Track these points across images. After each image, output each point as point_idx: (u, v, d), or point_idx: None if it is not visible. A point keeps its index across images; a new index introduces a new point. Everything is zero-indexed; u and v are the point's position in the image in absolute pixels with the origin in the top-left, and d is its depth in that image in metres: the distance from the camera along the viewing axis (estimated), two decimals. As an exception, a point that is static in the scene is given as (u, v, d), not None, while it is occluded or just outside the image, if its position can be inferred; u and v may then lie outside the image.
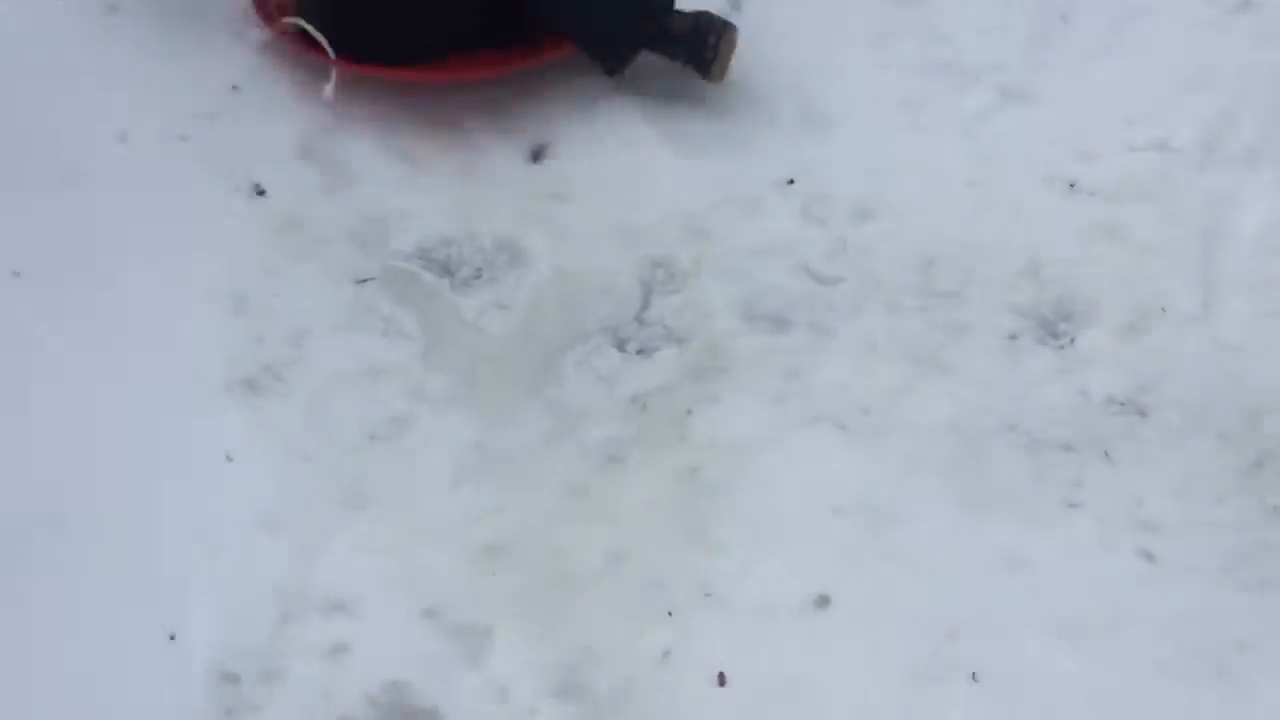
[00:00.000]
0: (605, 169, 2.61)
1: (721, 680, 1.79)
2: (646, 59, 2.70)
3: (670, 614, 1.87)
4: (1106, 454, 2.12)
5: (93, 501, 1.93)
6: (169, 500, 1.96)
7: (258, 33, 2.70)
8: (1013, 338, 2.35)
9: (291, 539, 1.94)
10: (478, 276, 2.40)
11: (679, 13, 2.69)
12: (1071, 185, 2.63)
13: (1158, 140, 2.69)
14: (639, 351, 2.28)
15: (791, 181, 2.62)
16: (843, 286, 2.42)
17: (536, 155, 2.64)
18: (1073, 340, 2.33)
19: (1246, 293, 2.39)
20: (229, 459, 2.02)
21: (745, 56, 2.72)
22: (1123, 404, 2.20)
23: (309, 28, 2.57)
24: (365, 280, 2.36)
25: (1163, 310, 2.36)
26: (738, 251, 2.46)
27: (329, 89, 2.55)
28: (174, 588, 1.85)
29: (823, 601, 1.89)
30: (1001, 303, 2.40)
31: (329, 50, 2.55)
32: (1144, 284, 2.41)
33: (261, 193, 2.48)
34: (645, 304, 2.37)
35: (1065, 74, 2.85)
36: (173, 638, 1.79)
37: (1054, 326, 2.37)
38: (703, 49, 2.64)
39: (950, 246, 2.50)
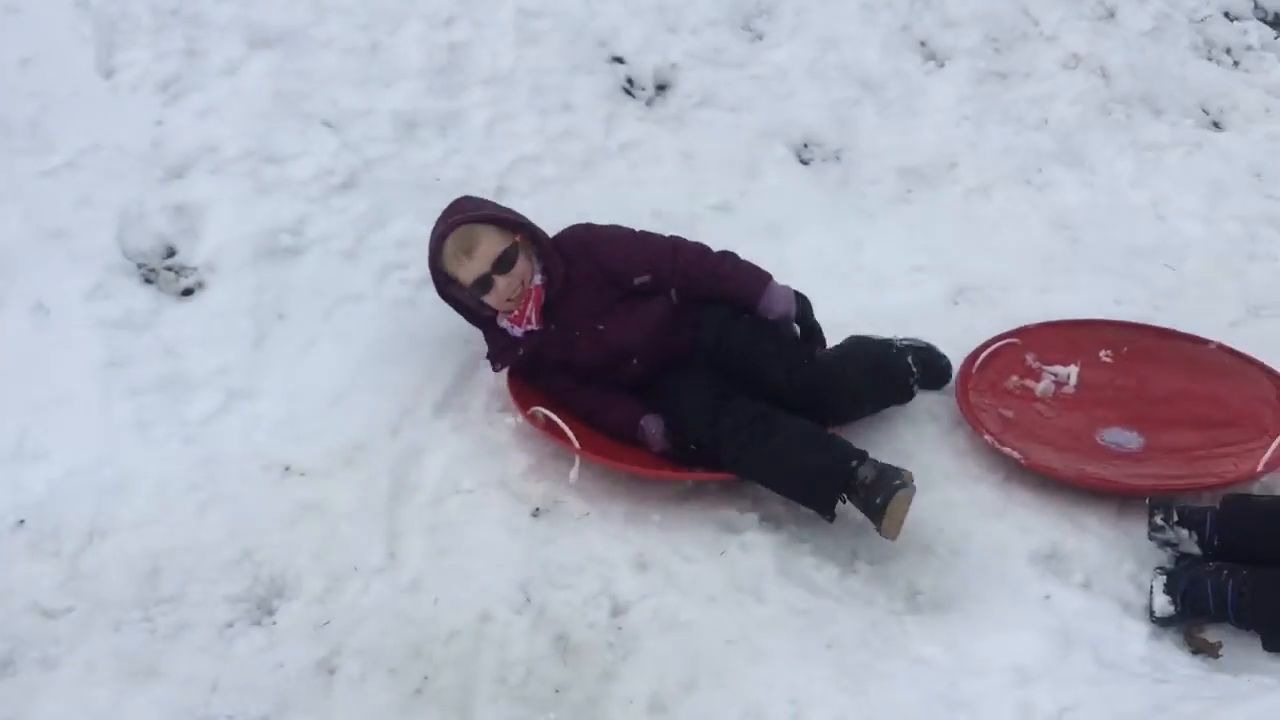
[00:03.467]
0: None
1: None
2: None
3: None
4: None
5: None
6: None
7: (513, 418, 3.17)
8: (229, 625, 2.69)
9: None
10: None
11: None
12: (286, 469, 3.06)
13: (359, 415, 3.20)
14: None
15: (22, 522, 2.85)
16: (71, 615, 2.67)
17: None
18: (274, 619, 2.70)
19: (422, 537, 2.90)
20: None
21: None
22: (316, 666, 2.60)
23: (555, 418, 3.08)
24: None
25: (355, 569, 2.81)
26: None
27: (573, 473, 3.01)
28: None
29: None
30: (219, 595, 2.75)
31: (573, 440, 3.02)
32: (340, 549, 2.86)
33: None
34: None
35: (282, 367, 3.31)
36: None
37: (268, 604, 2.75)
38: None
39: (175, 551, 2.82)
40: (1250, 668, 2.60)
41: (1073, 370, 3.51)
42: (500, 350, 3.22)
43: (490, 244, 3.09)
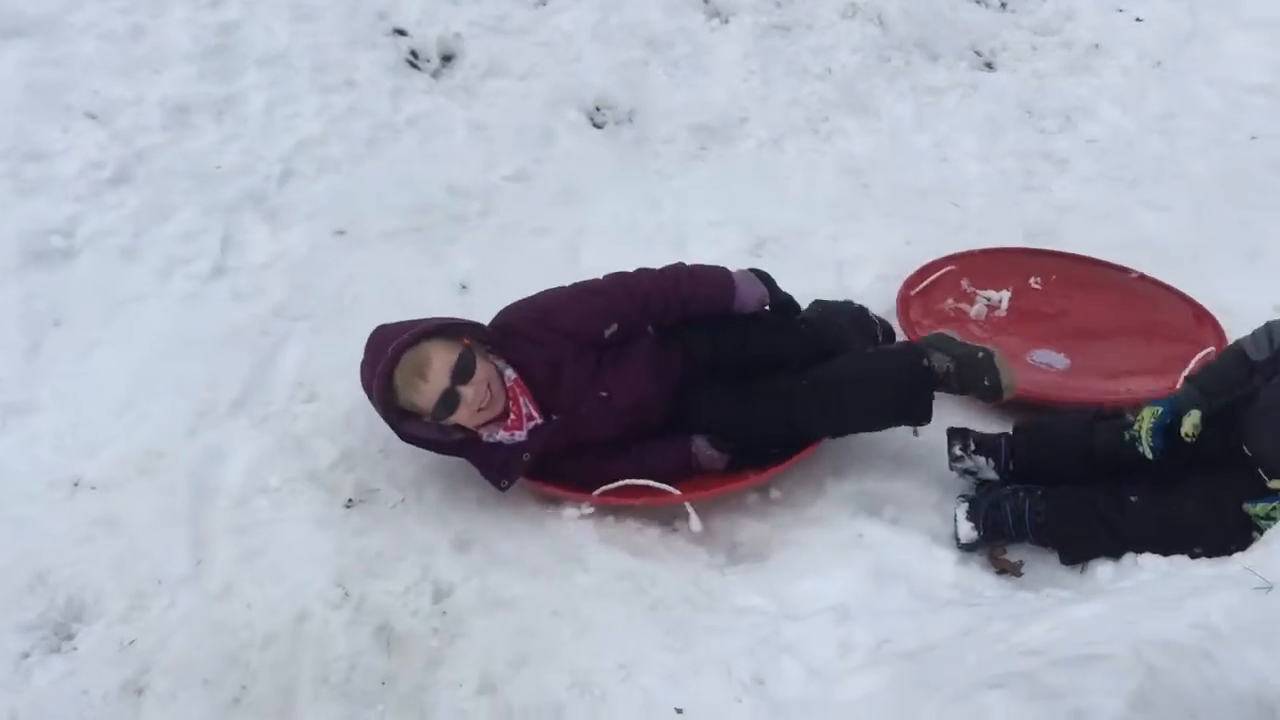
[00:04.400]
0: None
1: None
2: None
3: None
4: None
5: None
6: None
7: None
8: (25, 656, 2.53)
9: None
10: None
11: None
12: (75, 484, 2.89)
13: (151, 420, 3.04)
14: None
15: None
16: None
17: None
18: (74, 644, 2.55)
19: (230, 541, 2.79)
20: None
21: None
22: (122, 688, 2.46)
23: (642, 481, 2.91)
24: None
25: (159, 582, 2.68)
26: None
27: (694, 522, 2.89)
28: None
29: None
30: (11, 625, 2.57)
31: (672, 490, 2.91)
32: (141, 563, 2.72)
33: None
34: None
35: (61, 377, 3.12)
36: None
37: (66, 629, 2.59)
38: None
39: (-43, 586, 2.63)
40: (1050, 582, 2.74)
41: (1005, 295, 3.79)
42: (502, 466, 2.90)
43: (441, 357, 2.78)
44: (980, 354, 2.90)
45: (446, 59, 4.48)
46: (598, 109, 4.55)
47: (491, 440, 2.91)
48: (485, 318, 3.35)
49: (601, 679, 2.50)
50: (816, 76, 4.94)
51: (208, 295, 3.39)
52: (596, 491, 2.91)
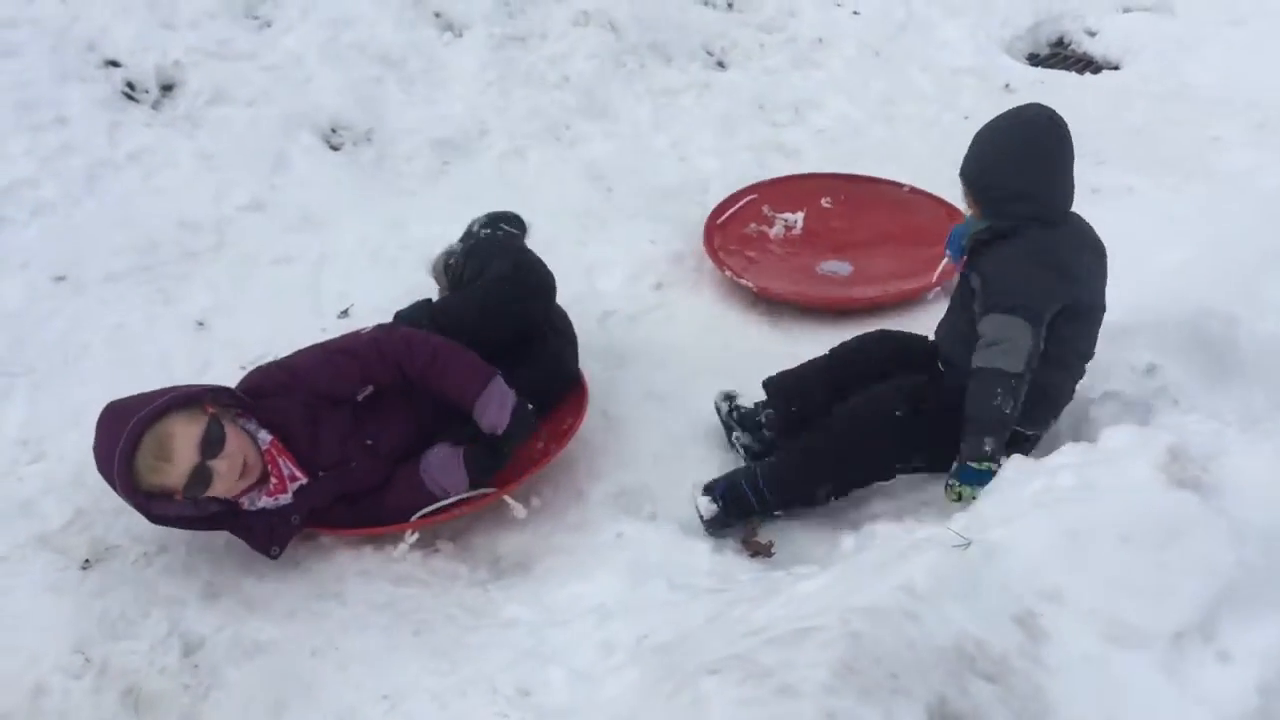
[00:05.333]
0: None
1: None
2: None
3: None
4: None
5: None
6: None
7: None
8: None
9: None
10: None
11: None
12: None
13: None
14: None
15: None
16: None
17: None
18: None
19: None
20: None
21: None
22: None
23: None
24: None
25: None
26: None
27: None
28: None
29: None
30: None
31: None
32: None
33: None
34: None
35: None
36: None
37: None
38: None
39: None
40: (799, 558, 2.85)
41: (800, 216, 4.27)
42: (270, 532, 2.77)
43: (186, 431, 2.62)
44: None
45: (166, 89, 4.30)
46: (333, 130, 4.46)
47: (254, 508, 2.78)
48: (228, 355, 3.26)
49: (367, 712, 2.46)
50: (554, 85, 4.98)
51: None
52: (415, 516, 2.84)
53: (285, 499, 2.80)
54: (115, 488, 2.63)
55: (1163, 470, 2.01)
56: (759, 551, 2.88)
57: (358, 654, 2.59)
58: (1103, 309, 2.92)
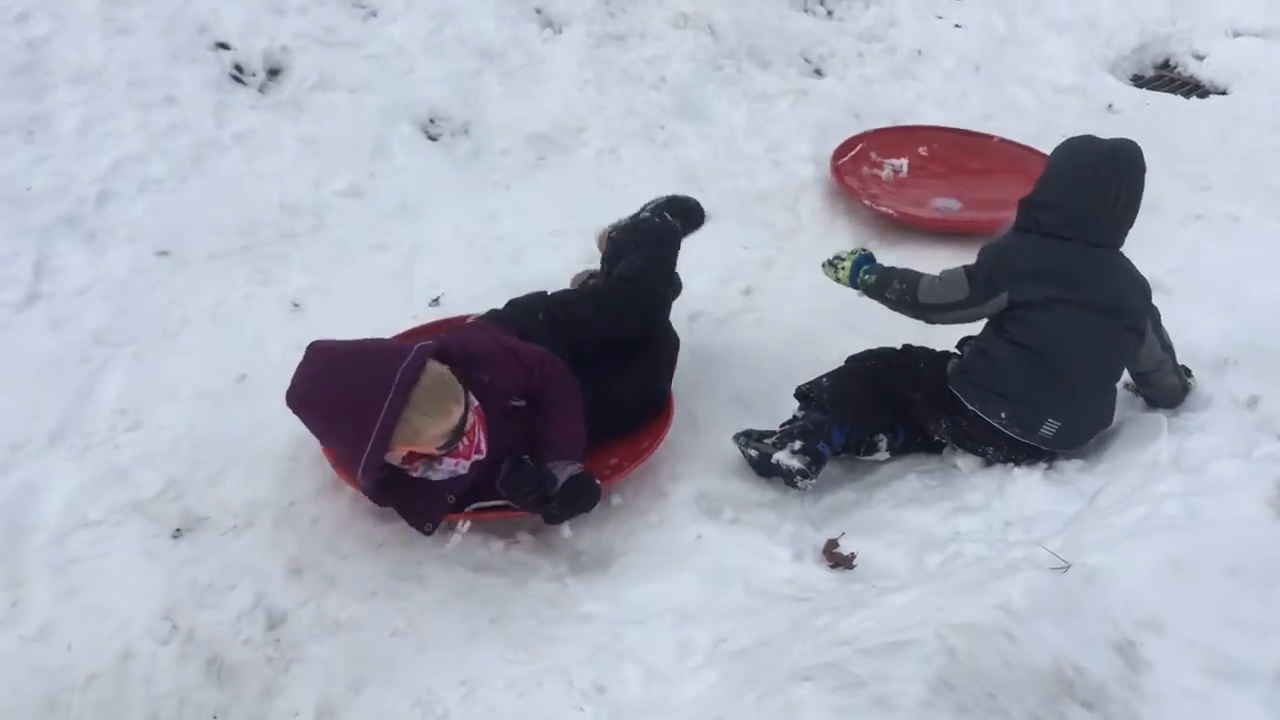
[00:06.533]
0: None
1: None
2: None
3: None
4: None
5: None
6: None
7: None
8: None
9: None
10: None
11: None
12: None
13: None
14: None
15: None
16: None
17: None
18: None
19: (47, 579, 2.67)
20: None
21: None
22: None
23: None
24: None
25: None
26: None
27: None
28: None
29: None
30: None
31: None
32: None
33: None
34: None
35: None
36: None
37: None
38: None
39: None
40: (883, 573, 2.81)
41: (904, 162, 4.80)
42: (429, 504, 2.72)
43: (453, 380, 2.56)
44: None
45: (273, 73, 4.38)
46: (432, 121, 4.51)
47: (425, 473, 2.72)
48: (321, 337, 3.27)
49: (444, 696, 2.48)
50: (651, 85, 4.98)
51: (20, 324, 3.24)
52: (470, 508, 2.83)
53: (462, 467, 2.70)
54: (355, 434, 2.50)
55: (1272, 504, 1.95)
56: (840, 563, 2.85)
57: (437, 637, 2.61)
58: (1100, 311, 2.98)
